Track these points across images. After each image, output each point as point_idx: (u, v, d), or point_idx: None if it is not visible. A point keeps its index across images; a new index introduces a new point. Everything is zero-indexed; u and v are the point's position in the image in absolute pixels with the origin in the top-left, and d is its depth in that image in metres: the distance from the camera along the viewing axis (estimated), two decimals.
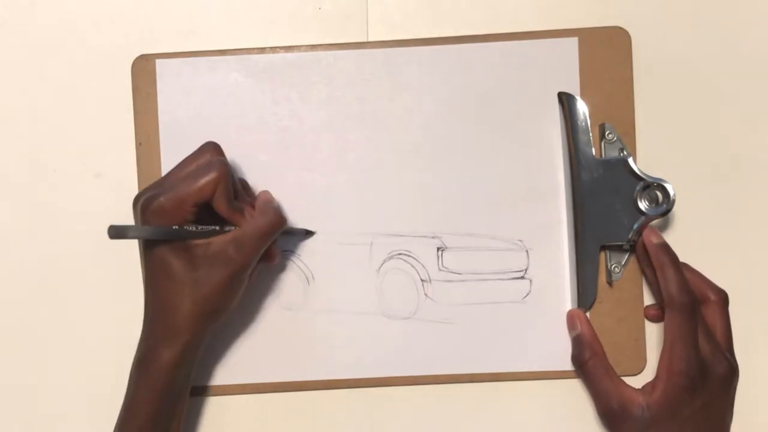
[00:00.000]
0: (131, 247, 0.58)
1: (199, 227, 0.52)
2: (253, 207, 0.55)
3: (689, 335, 0.52)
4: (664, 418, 0.53)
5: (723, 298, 0.55)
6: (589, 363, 0.56)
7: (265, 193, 0.57)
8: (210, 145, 0.54)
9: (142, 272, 0.54)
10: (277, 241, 0.55)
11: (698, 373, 0.52)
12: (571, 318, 0.58)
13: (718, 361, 0.53)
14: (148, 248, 0.52)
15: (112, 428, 0.53)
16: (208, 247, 0.52)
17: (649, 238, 0.55)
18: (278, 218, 0.54)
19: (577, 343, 0.57)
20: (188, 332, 0.52)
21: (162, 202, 0.51)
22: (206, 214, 0.53)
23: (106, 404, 0.59)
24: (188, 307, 0.52)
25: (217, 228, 0.52)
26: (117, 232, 0.49)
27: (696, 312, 0.53)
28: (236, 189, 0.55)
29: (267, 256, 0.55)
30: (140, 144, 0.59)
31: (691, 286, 0.54)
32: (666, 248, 0.55)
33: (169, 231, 0.51)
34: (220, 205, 0.52)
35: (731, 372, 0.53)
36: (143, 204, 0.51)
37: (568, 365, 0.58)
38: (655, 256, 0.55)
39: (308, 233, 0.58)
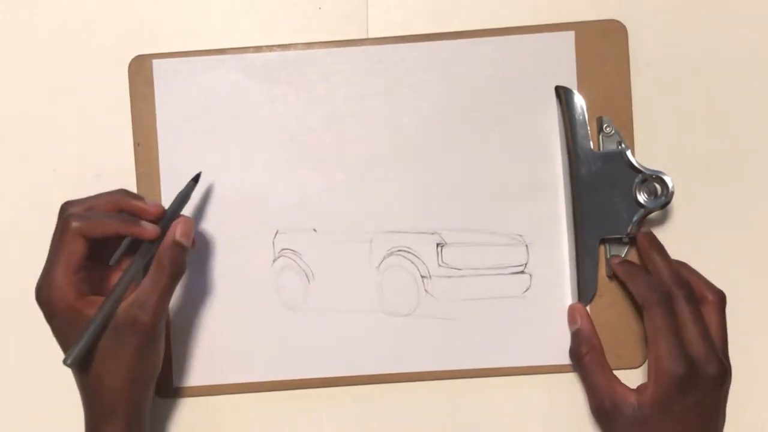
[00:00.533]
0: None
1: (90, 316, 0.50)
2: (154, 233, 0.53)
3: (668, 330, 0.52)
4: (655, 416, 0.52)
5: (720, 298, 0.55)
6: (586, 358, 0.56)
7: (167, 239, 0.53)
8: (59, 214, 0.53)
9: None
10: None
11: (688, 371, 0.52)
12: (571, 312, 0.58)
13: (710, 361, 0.52)
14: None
15: None
16: (113, 320, 0.50)
17: (614, 261, 0.57)
18: (177, 269, 0.52)
19: (576, 337, 0.57)
20: (124, 406, 0.51)
21: (44, 292, 0.51)
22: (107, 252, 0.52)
23: None
24: (114, 382, 0.51)
25: (102, 316, 0.50)
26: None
27: (670, 306, 0.53)
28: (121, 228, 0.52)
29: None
30: (138, 144, 0.59)
31: (660, 284, 0.54)
32: (630, 261, 0.56)
33: (80, 336, 0.50)
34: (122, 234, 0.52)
35: (723, 373, 0.52)
36: (38, 299, 0.51)
37: (568, 359, 0.58)
38: (621, 270, 0.56)
39: (194, 180, 0.56)
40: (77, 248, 0.51)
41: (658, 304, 0.53)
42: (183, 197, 0.55)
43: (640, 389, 0.54)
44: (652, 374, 0.53)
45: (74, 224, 0.51)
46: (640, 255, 0.57)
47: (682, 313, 0.53)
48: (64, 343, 0.52)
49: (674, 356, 0.52)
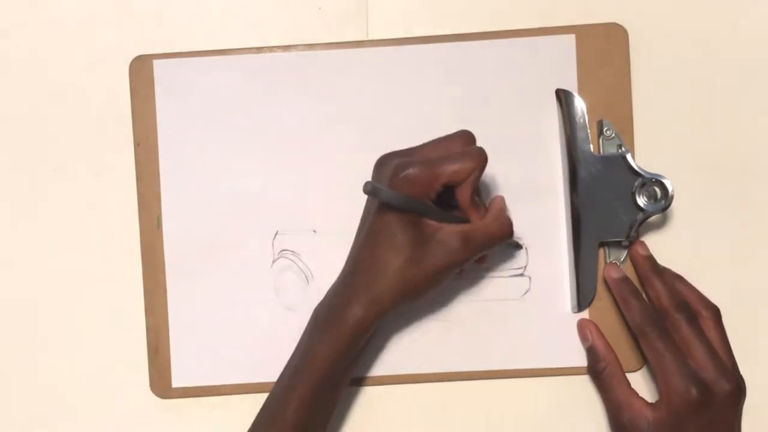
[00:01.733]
0: (131, 247, 0.59)
1: (440, 210, 0.52)
2: (485, 208, 0.54)
3: (669, 351, 0.53)
4: None
5: (715, 313, 0.55)
6: (604, 373, 0.56)
7: (501, 199, 0.55)
8: (465, 133, 0.54)
9: (360, 229, 0.54)
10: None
11: (701, 392, 0.51)
12: (581, 329, 0.58)
13: (723, 378, 0.52)
14: (380, 210, 0.52)
15: None
16: (437, 230, 0.52)
17: (610, 274, 0.57)
18: (509, 228, 0.53)
19: (592, 354, 0.57)
20: (388, 302, 0.52)
21: (415, 172, 0.51)
22: (439, 200, 0.53)
23: (106, 404, 0.59)
24: (397, 279, 0.51)
25: (458, 216, 0.53)
26: (371, 190, 0.50)
27: (665, 329, 0.53)
28: (477, 188, 0.54)
29: (480, 258, 0.55)
30: (138, 144, 0.59)
31: (653, 311, 0.54)
32: (625, 280, 0.56)
33: (419, 204, 0.51)
34: (465, 194, 0.52)
35: (737, 388, 0.52)
36: (395, 167, 0.51)
37: (567, 362, 0.58)
38: (616, 290, 0.56)
39: (518, 246, 0.58)
40: (475, 174, 0.52)
41: (652, 331, 0.53)
42: None
43: (656, 406, 0.53)
44: (664, 396, 0.53)
45: (485, 162, 0.52)
46: (638, 276, 0.57)
47: (686, 336, 0.53)
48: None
49: (683, 378, 0.52)
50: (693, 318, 0.54)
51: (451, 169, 0.51)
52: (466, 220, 0.53)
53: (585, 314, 0.58)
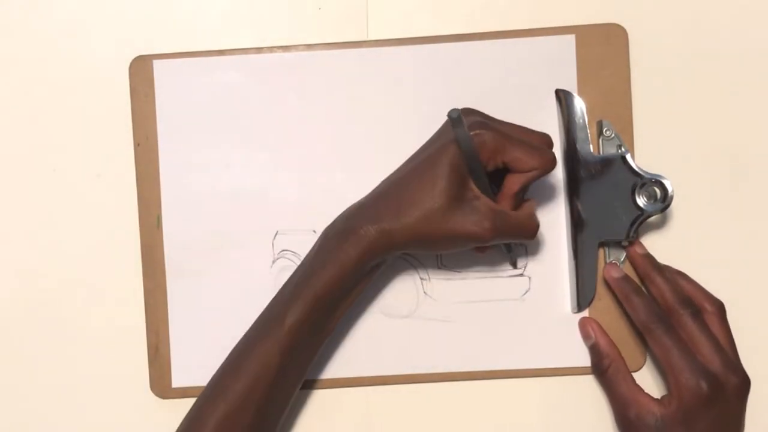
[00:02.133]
0: (131, 247, 0.59)
1: (488, 182, 0.52)
2: (521, 205, 0.54)
3: (677, 347, 0.53)
4: (678, 430, 0.52)
5: (719, 307, 0.55)
6: (609, 371, 0.56)
7: (534, 202, 0.55)
8: (548, 135, 0.54)
9: (414, 156, 0.55)
10: None
11: (711, 386, 0.52)
12: (584, 327, 0.58)
13: (732, 372, 0.52)
14: (444, 147, 0.52)
15: None
16: (476, 198, 0.52)
17: (610, 273, 0.57)
18: (536, 228, 0.53)
19: (595, 352, 0.57)
20: (401, 238, 0.52)
21: (489, 136, 0.51)
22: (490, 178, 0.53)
23: (106, 404, 0.59)
24: (419, 221, 0.51)
25: (498, 195, 0.53)
26: (457, 118, 0.50)
27: (671, 324, 0.54)
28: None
29: (483, 247, 0.55)
30: (138, 145, 0.59)
31: (656, 307, 0.54)
32: (626, 279, 0.56)
33: (476, 163, 0.51)
34: (515, 184, 0.52)
35: (745, 381, 0.53)
36: (476, 123, 0.52)
37: (567, 362, 0.58)
38: (618, 290, 0.56)
39: (514, 264, 0.59)
40: (539, 172, 0.53)
41: (658, 327, 0.53)
42: None
43: (664, 402, 0.53)
44: (674, 391, 0.53)
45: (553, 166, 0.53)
46: (638, 276, 0.57)
47: (691, 331, 0.53)
48: None
49: (693, 373, 0.52)
50: (698, 313, 0.54)
51: (519, 154, 0.51)
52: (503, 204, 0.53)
53: (585, 314, 0.58)
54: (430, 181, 0.52)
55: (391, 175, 0.55)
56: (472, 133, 0.51)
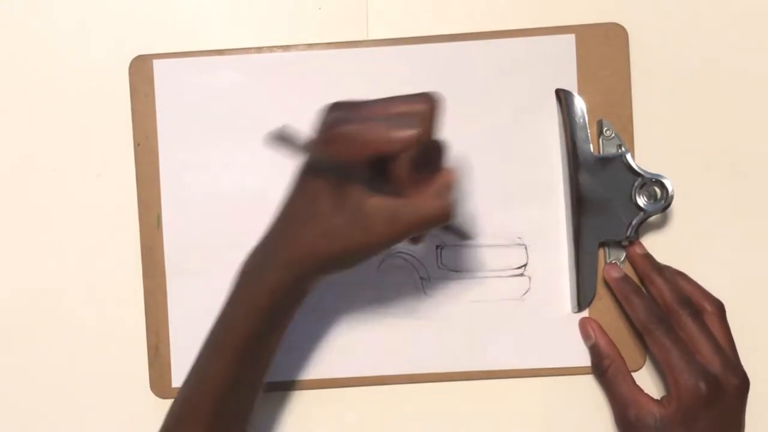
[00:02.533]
0: (131, 247, 0.59)
1: (368, 177, 0.45)
2: (430, 182, 0.46)
3: (676, 348, 0.53)
4: (678, 430, 0.52)
5: (719, 307, 0.55)
6: (609, 371, 0.56)
7: (449, 172, 0.47)
8: (428, 98, 0.45)
9: (292, 181, 0.49)
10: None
11: (710, 386, 0.52)
12: (583, 327, 0.58)
13: (731, 372, 0.52)
14: (307, 167, 0.48)
15: None
16: (363, 200, 0.45)
17: (610, 273, 0.57)
18: (447, 209, 0.45)
19: (595, 352, 0.57)
20: (306, 267, 0.47)
21: (348, 130, 0.44)
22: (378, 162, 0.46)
23: (106, 404, 0.59)
24: (314, 245, 0.46)
25: (386, 189, 0.45)
26: (279, 137, 0.45)
27: (670, 325, 0.54)
28: (428, 154, 0.48)
29: (414, 237, 0.50)
30: (138, 145, 0.59)
31: (656, 307, 0.54)
32: (626, 279, 0.56)
33: (346, 173, 0.45)
34: (399, 170, 0.46)
35: (744, 382, 0.53)
36: (333, 120, 0.46)
37: (567, 362, 0.58)
38: (618, 290, 0.56)
39: (464, 236, 0.54)
40: (415, 148, 0.45)
41: (658, 328, 0.53)
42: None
43: (664, 402, 0.53)
44: (674, 391, 0.53)
45: (430, 133, 0.45)
46: (638, 276, 0.57)
47: (691, 331, 0.53)
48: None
49: (692, 373, 0.52)
50: (697, 313, 0.54)
51: (387, 136, 0.43)
52: (399, 193, 0.46)
53: (585, 314, 0.58)
54: (308, 204, 0.47)
55: (275, 214, 0.50)
56: (333, 131, 0.45)
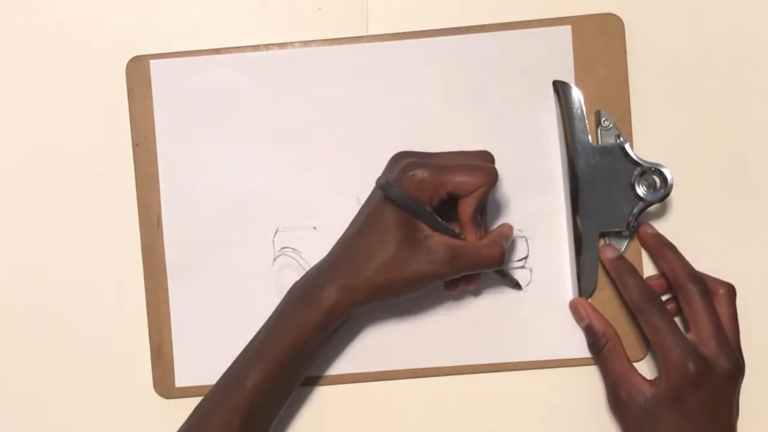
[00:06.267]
0: (131, 247, 0.59)
1: (436, 218, 0.52)
2: (486, 229, 0.55)
3: (667, 328, 0.53)
4: (666, 410, 0.52)
5: (730, 289, 0.55)
6: (605, 349, 0.56)
7: (507, 227, 0.55)
8: (485, 152, 0.54)
9: (358, 215, 0.55)
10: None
11: (700, 367, 0.52)
12: (575, 308, 0.58)
13: (723, 356, 0.52)
14: (381, 202, 0.52)
15: None
16: (428, 237, 0.52)
17: (606, 254, 0.57)
18: (499, 257, 0.53)
19: (590, 332, 0.57)
20: (363, 294, 0.52)
21: (423, 174, 0.51)
22: (443, 212, 0.53)
23: (110, 404, 0.59)
24: (377, 274, 0.52)
25: (455, 231, 0.53)
26: (383, 187, 0.51)
27: (662, 306, 0.54)
28: (483, 205, 0.55)
29: (468, 280, 0.55)
30: (137, 145, 0.59)
31: (649, 287, 0.55)
32: (621, 259, 0.56)
33: (416, 205, 0.51)
34: (467, 208, 0.52)
35: (736, 367, 0.53)
36: (406, 165, 0.52)
37: (570, 353, 0.58)
38: (613, 270, 0.56)
39: (515, 285, 0.58)
40: (482, 191, 0.52)
41: (650, 308, 0.54)
42: None
43: (655, 382, 0.54)
44: (663, 371, 0.53)
45: (495, 181, 0.53)
46: (649, 254, 0.57)
47: (697, 308, 0.53)
48: None
49: (681, 353, 0.52)
50: (706, 291, 0.54)
51: (459, 179, 0.51)
52: (460, 236, 0.53)
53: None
54: (378, 235, 0.52)
55: (340, 239, 0.55)
56: (408, 174, 0.51)
